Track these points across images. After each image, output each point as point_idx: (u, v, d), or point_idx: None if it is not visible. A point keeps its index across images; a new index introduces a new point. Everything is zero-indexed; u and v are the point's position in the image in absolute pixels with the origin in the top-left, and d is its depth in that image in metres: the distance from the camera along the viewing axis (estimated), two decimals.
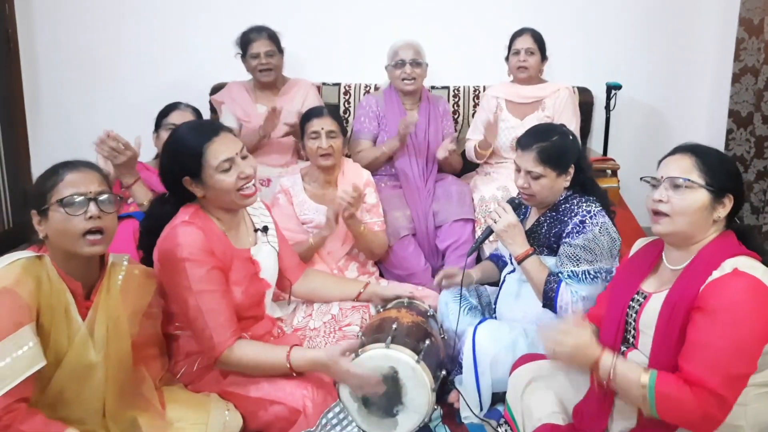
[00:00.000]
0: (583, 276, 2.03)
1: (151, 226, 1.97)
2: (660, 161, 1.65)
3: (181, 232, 1.85)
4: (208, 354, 1.87)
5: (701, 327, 1.45)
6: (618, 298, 1.70)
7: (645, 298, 1.63)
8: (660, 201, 1.56)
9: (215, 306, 1.84)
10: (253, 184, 1.96)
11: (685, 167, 1.56)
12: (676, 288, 1.54)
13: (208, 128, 1.94)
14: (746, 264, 1.48)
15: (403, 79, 3.14)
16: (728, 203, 1.56)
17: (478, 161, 3.30)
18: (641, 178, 1.65)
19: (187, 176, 1.90)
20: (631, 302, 1.66)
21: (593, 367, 1.57)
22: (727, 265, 1.48)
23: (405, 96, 3.21)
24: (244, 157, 1.93)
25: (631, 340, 1.65)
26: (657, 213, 1.58)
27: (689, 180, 1.54)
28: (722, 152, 1.71)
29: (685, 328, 1.49)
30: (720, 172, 1.55)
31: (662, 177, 1.58)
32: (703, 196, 1.54)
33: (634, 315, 1.64)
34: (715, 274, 1.48)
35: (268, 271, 2.11)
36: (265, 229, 2.14)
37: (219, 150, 1.87)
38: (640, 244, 1.79)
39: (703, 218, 1.55)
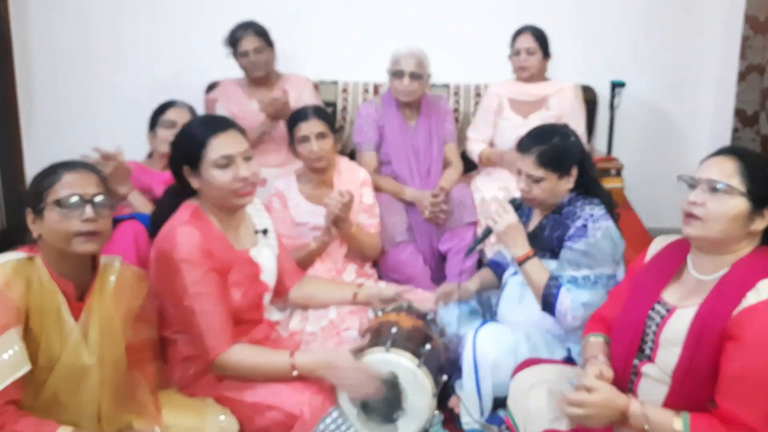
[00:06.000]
0: (583, 281, 2.01)
1: (160, 216, 1.96)
2: (702, 162, 1.56)
3: (179, 232, 1.83)
4: (203, 358, 1.85)
5: (737, 360, 1.39)
6: (637, 305, 1.62)
7: (668, 311, 1.55)
8: (695, 203, 1.48)
9: (210, 309, 1.82)
10: (251, 184, 1.93)
11: (726, 171, 1.47)
12: (706, 307, 1.47)
13: (219, 122, 1.94)
14: None
15: (400, 90, 3.06)
16: None
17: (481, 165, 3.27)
18: (678, 177, 1.56)
19: (187, 165, 1.89)
20: (651, 312, 1.58)
21: (621, 420, 1.49)
22: (764, 289, 1.41)
23: (404, 105, 3.12)
24: (246, 159, 1.90)
25: (648, 352, 1.58)
26: (690, 215, 1.49)
27: (728, 185, 1.45)
28: None
29: (715, 351, 1.42)
30: (765, 180, 1.46)
31: (700, 178, 1.49)
32: (741, 203, 1.45)
33: (654, 327, 1.57)
34: (751, 297, 1.41)
35: (268, 274, 2.08)
36: (265, 232, 2.12)
37: (221, 144, 1.85)
38: (660, 243, 1.71)
39: (738, 227, 1.47)
